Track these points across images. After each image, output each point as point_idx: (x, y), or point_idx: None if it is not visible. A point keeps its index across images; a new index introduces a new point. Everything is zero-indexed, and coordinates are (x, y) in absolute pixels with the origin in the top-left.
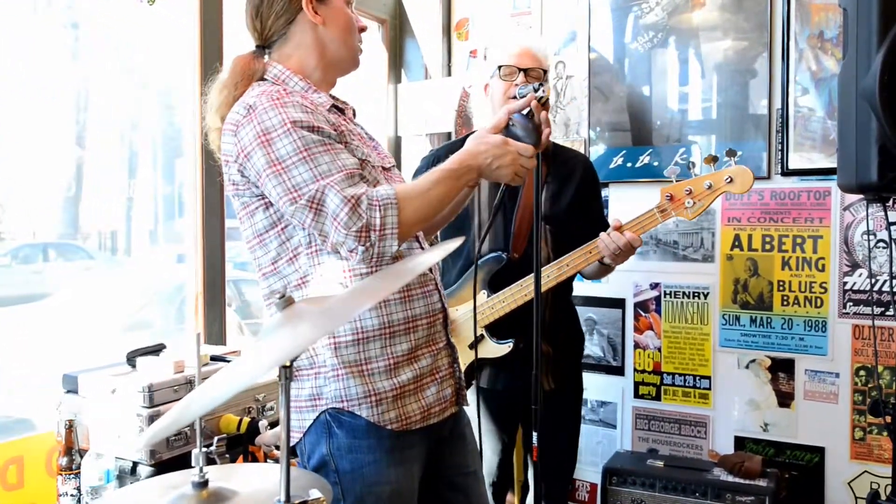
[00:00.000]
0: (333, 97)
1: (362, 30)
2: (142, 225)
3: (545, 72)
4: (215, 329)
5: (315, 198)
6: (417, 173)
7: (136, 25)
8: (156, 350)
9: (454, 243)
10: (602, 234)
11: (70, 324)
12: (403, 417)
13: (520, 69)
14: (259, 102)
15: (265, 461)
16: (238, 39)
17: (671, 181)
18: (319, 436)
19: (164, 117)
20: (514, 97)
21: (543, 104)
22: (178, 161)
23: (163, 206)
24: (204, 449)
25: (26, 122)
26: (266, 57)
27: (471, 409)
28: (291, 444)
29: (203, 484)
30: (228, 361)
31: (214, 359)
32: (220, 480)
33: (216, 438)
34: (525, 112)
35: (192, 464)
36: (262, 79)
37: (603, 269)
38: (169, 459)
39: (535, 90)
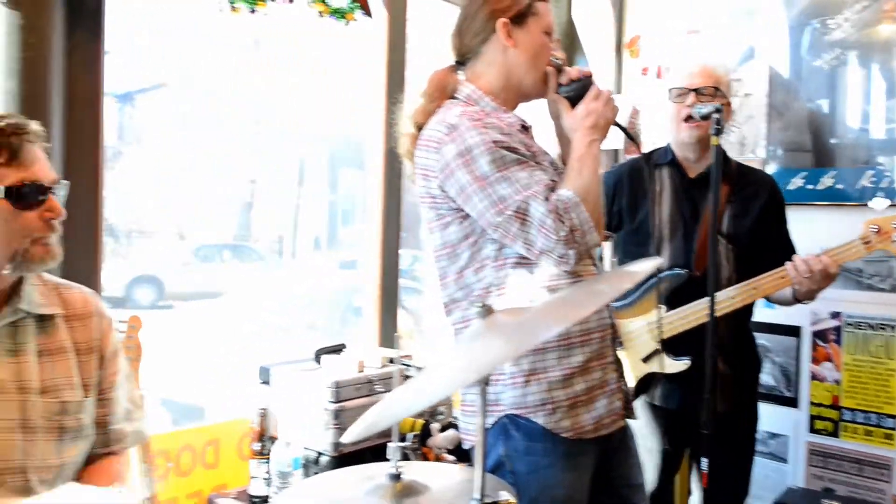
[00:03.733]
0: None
1: None
2: (307, 231)
3: (717, 89)
4: (389, 333)
5: (521, 208)
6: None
7: (313, 44)
8: (337, 349)
9: (650, 263)
10: (795, 257)
11: (241, 320)
12: (577, 426)
13: (690, 90)
14: (461, 122)
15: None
16: (420, 57)
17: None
18: (496, 438)
19: (333, 130)
20: (689, 118)
21: (560, 68)
22: (341, 171)
23: (327, 214)
24: (399, 444)
25: (208, 131)
26: (460, 73)
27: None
28: (466, 447)
29: (397, 476)
30: (406, 366)
31: (390, 362)
32: (408, 476)
33: (409, 435)
34: (562, 83)
35: (388, 457)
36: (454, 97)
37: (795, 299)
38: (349, 452)
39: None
